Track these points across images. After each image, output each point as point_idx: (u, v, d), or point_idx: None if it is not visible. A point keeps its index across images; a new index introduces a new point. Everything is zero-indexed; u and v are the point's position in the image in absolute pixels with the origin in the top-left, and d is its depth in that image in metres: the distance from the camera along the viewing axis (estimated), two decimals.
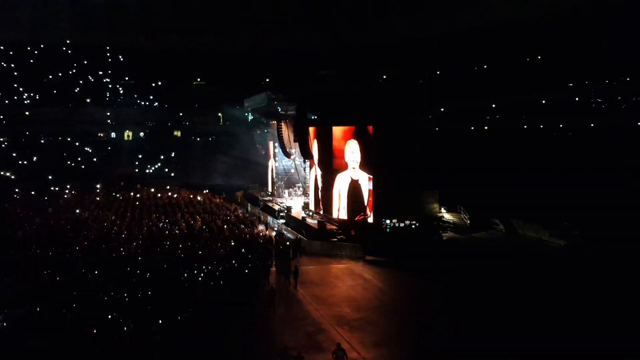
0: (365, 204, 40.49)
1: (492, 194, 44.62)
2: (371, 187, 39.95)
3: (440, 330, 22.59)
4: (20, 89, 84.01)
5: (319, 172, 44.81)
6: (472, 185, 46.76)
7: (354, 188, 40.92)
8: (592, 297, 25.37)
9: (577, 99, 55.32)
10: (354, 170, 41.00)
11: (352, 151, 41.05)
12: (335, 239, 38.59)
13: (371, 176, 39.93)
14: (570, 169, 45.77)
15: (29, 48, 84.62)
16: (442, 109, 74.91)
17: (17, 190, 63.92)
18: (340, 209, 42.16)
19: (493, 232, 42.49)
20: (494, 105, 68.89)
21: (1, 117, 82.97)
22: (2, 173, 69.43)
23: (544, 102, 61.69)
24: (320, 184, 44.55)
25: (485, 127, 68.88)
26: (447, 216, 45.42)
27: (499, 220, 42.94)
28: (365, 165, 40.44)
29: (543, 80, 58.30)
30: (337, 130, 42.20)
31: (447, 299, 27.01)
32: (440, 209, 45.99)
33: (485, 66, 70.37)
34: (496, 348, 20.06)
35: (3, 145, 78.75)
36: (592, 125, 52.59)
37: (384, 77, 77.39)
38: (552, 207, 39.27)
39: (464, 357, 19.87)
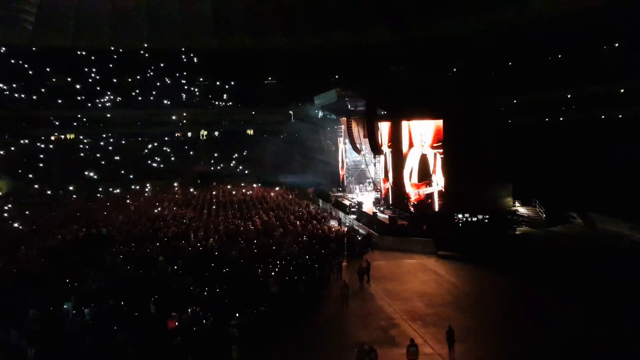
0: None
1: (569, 187, 43.23)
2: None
3: (516, 327, 22.19)
4: (101, 92, 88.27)
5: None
6: (547, 179, 45.45)
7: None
8: None
9: None
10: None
11: (422, 142, 41.16)
12: (407, 233, 38.35)
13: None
14: None
15: (108, 53, 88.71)
16: (514, 101, 73.11)
17: (100, 189, 67.25)
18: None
19: (570, 225, 41.06)
20: (569, 96, 66.71)
21: (84, 119, 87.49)
22: (86, 173, 73.08)
23: (622, 91, 59.18)
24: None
25: (561, 119, 66.79)
26: (522, 210, 44.32)
27: (576, 214, 41.56)
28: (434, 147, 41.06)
29: (621, 69, 55.97)
30: (407, 125, 42.18)
31: (523, 295, 26.49)
32: (514, 202, 44.98)
33: (559, 55, 68.24)
34: (581, 348, 19.70)
35: (86, 147, 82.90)
36: None
37: (454, 70, 76.33)
38: (634, 200, 37.49)
39: (543, 356, 19.44)
